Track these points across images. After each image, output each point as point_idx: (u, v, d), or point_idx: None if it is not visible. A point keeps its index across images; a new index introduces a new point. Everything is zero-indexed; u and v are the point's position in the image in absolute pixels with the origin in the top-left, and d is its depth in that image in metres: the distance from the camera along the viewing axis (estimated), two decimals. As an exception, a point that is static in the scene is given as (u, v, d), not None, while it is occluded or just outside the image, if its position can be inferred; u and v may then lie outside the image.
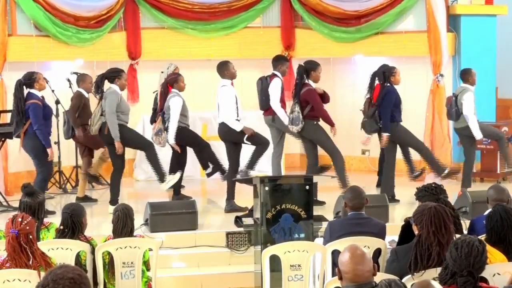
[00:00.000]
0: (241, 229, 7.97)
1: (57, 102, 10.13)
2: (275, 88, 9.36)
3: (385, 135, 9.25)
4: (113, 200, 8.87)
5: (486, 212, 5.54)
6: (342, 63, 11.94)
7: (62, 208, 6.02)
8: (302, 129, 9.09)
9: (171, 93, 9.28)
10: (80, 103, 9.66)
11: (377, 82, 9.47)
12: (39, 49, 10.44)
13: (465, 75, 9.73)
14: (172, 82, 9.33)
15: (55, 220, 6.32)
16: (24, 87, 8.84)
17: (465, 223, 6.32)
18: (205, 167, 9.53)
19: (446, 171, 9.41)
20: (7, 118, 9.59)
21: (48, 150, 8.76)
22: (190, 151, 9.55)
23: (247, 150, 9.41)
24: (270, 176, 8.92)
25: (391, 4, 11.29)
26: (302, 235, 6.88)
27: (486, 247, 4.21)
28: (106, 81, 8.95)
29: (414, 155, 9.71)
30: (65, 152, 10.46)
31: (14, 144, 9.66)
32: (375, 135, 9.54)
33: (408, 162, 9.62)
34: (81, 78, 9.87)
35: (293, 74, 10.40)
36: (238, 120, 8.94)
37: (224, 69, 8.99)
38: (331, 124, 9.17)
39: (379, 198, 8.49)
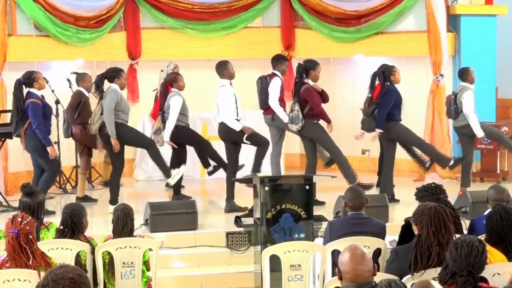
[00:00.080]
0: (241, 229, 7.97)
1: (57, 102, 10.13)
2: (274, 87, 9.37)
3: (378, 131, 9.26)
4: (113, 200, 8.88)
5: (486, 212, 5.54)
6: (342, 63, 11.94)
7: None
8: (302, 128, 9.10)
9: (171, 92, 9.29)
10: (78, 101, 9.66)
11: (377, 82, 9.47)
12: (39, 49, 10.43)
13: (463, 74, 9.73)
14: (172, 81, 9.35)
15: (55, 220, 6.33)
16: (24, 86, 8.85)
17: (465, 223, 6.32)
18: (206, 165, 9.54)
19: (451, 162, 9.41)
20: (7, 118, 9.59)
21: (48, 149, 8.76)
22: (190, 151, 9.57)
23: (246, 150, 9.43)
24: (270, 176, 8.92)
25: (391, 4, 11.29)
26: (302, 235, 6.88)
27: (486, 247, 4.21)
28: (105, 81, 8.96)
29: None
30: (65, 152, 10.46)
31: (14, 144, 9.66)
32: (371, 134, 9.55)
33: (415, 158, 9.60)
34: (81, 78, 9.88)
35: (293, 73, 10.39)
36: (238, 120, 8.94)
37: (223, 69, 8.99)
38: (328, 120, 9.18)
39: (379, 198, 8.49)
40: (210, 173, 9.56)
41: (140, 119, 10.95)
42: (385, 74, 9.31)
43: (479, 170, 11.07)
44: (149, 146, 9.09)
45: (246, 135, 8.90)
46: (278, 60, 9.58)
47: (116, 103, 8.78)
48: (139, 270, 5.93)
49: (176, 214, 8.07)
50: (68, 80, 10.26)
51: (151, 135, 9.37)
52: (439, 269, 4.32)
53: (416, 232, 4.85)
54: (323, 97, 9.33)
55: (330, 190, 8.99)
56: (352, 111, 11.10)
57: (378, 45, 11.42)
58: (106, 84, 8.98)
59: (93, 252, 5.79)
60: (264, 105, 9.63)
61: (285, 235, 6.86)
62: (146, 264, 6.06)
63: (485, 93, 10.98)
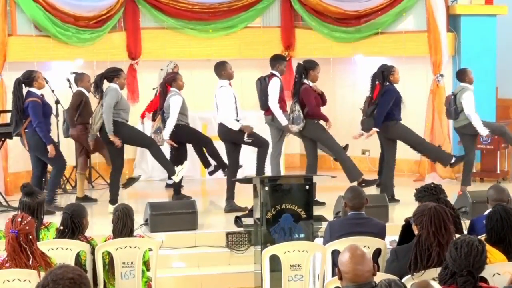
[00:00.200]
0: (241, 229, 7.98)
1: (57, 102, 10.13)
2: (273, 89, 9.37)
3: (374, 129, 9.26)
4: (113, 200, 8.89)
5: (486, 212, 5.54)
6: (342, 63, 11.93)
7: (63, 207, 6.02)
8: (303, 128, 9.10)
9: (171, 92, 9.30)
10: (79, 101, 9.66)
11: (377, 82, 9.47)
12: (39, 49, 10.43)
13: (462, 75, 9.73)
14: (171, 81, 9.36)
15: (55, 220, 6.33)
16: (23, 85, 8.85)
17: (465, 223, 6.32)
18: (206, 165, 9.55)
19: (453, 160, 9.40)
20: (7, 118, 9.59)
21: (49, 147, 8.77)
22: (190, 151, 9.57)
23: (246, 151, 9.44)
24: (270, 176, 8.94)
25: (391, 4, 11.29)
26: (302, 235, 6.88)
27: (486, 247, 4.21)
28: (105, 81, 8.96)
29: (414, 154, 9.72)
30: (64, 152, 10.37)
31: (14, 144, 9.67)
32: (373, 134, 9.55)
33: (434, 155, 9.58)
34: (79, 78, 9.88)
35: (293, 73, 10.39)
36: (238, 120, 8.93)
37: (221, 70, 8.99)
38: (325, 119, 9.17)
39: (379, 198, 8.49)
40: (211, 173, 9.57)
41: (140, 119, 10.94)
42: (384, 74, 9.31)
43: (479, 170, 11.06)
44: (150, 145, 9.09)
45: (246, 134, 8.90)
46: (276, 60, 9.59)
47: (117, 102, 8.78)
48: (139, 270, 5.93)
49: (176, 214, 8.07)
50: (68, 80, 10.26)
51: (151, 134, 9.38)
52: (439, 269, 4.32)
53: (416, 232, 4.85)
54: (322, 100, 9.32)
55: (330, 190, 9.00)
56: (352, 111, 11.10)
57: (378, 45, 11.41)
58: (106, 85, 8.98)
59: (93, 252, 5.79)
60: (265, 106, 9.63)
61: (285, 235, 6.86)
62: (146, 264, 6.06)
63: (485, 93, 10.98)
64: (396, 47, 11.31)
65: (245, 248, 7.89)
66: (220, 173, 9.53)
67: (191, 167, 10.02)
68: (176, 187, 9.38)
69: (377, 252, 5.74)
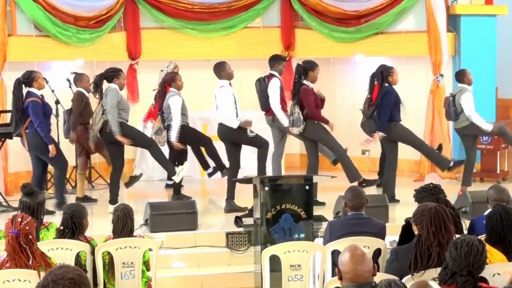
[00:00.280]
0: (241, 229, 7.98)
1: (57, 102, 10.12)
2: (274, 89, 9.37)
3: (380, 134, 9.25)
4: (113, 200, 8.89)
5: (486, 212, 5.54)
6: (342, 63, 11.93)
7: (63, 208, 6.02)
8: (304, 129, 9.09)
9: (170, 92, 9.30)
10: (82, 103, 9.66)
11: (376, 82, 9.46)
12: (39, 49, 10.43)
13: (461, 76, 9.74)
14: (170, 81, 9.36)
15: (55, 220, 6.33)
16: (23, 86, 8.85)
17: (465, 223, 6.31)
18: (205, 167, 9.56)
19: (451, 164, 9.41)
20: (7, 118, 9.59)
21: (50, 147, 8.77)
22: (190, 151, 9.57)
23: (247, 151, 9.44)
24: (270, 176, 8.93)
25: (391, 4, 11.28)
26: (302, 235, 6.88)
27: (486, 247, 4.21)
28: (104, 81, 8.96)
29: (414, 154, 9.72)
30: (64, 152, 10.39)
31: (14, 144, 9.67)
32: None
33: (432, 158, 9.58)
34: (78, 78, 9.87)
35: (293, 73, 10.38)
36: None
37: (221, 70, 8.98)
38: (325, 121, 9.16)
39: (379, 198, 8.49)
40: (210, 175, 9.58)
41: (140, 119, 10.93)
42: (383, 74, 9.31)
43: (479, 170, 11.06)
44: (150, 145, 9.09)
45: (248, 130, 8.87)
46: (275, 60, 9.59)
47: (117, 102, 8.79)
48: (139, 270, 5.93)
49: (176, 214, 8.07)
50: (68, 80, 10.25)
51: (152, 135, 9.38)
52: (439, 269, 4.33)
53: (416, 232, 4.85)
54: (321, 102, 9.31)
55: (330, 190, 9.00)
56: (352, 111, 11.10)
57: (378, 45, 11.41)
58: (105, 85, 8.98)
59: (93, 253, 5.79)
60: (265, 107, 9.63)
61: (285, 235, 6.86)
62: (146, 264, 6.06)
63: (485, 93, 10.98)
64: (396, 47, 11.31)
65: (245, 248, 7.89)
66: (219, 174, 9.53)
67: (191, 167, 10.02)
68: (176, 187, 9.38)
69: (377, 252, 5.74)
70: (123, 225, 5.91)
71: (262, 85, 9.57)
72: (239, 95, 9.26)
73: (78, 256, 5.74)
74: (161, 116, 9.33)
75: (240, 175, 9.18)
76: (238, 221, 8.18)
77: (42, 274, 4.46)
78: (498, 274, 4.64)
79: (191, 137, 9.43)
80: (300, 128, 9.06)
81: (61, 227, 5.80)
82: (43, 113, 8.81)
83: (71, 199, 9.67)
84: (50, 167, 9.50)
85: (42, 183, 9.34)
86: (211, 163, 9.45)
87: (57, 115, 10.07)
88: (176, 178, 9.06)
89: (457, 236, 4.47)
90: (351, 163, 9.15)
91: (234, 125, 8.87)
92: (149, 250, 6.04)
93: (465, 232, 5.88)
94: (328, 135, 9.19)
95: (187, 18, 11.21)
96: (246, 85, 10.36)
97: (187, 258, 7.91)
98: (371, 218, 6.01)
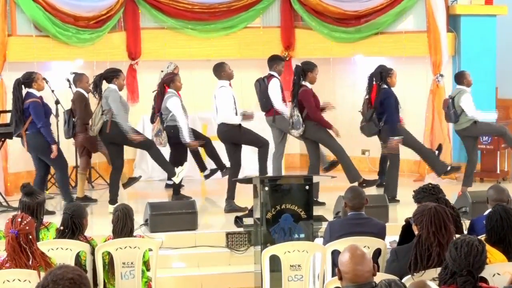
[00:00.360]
0: (241, 229, 7.98)
1: (57, 102, 10.12)
2: (275, 90, 9.37)
3: (396, 139, 9.20)
4: (113, 200, 8.90)
5: (486, 212, 5.54)
6: (342, 63, 11.93)
7: (63, 208, 6.02)
8: (304, 131, 9.08)
9: (168, 93, 9.30)
10: (84, 104, 9.66)
11: (374, 83, 9.45)
12: (39, 49, 10.43)
13: (460, 78, 9.74)
14: (169, 82, 9.36)
15: (55, 220, 6.33)
16: (23, 86, 8.85)
17: (465, 223, 6.31)
18: (202, 169, 9.58)
19: (448, 168, 9.41)
20: (7, 118, 9.59)
21: (53, 147, 8.78)
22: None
23: (247, 151, 9.43)
24: (270, 176, 8.93)
25: (391, 4, 11.28)
26: (302, 235, 6.88)
27: (486, 247, 4.21)
28: (104, 82, 8.96)
29: (414, 154, 9.72)
30: (64, 152, 10.39)
31: (14, 144, 9.67)
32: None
33: (430, 162, 9.58)
34: (78, 78, 9.87)
35: (293, 73, 10.39)
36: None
37: (221, 70, 8.98)
38: (329, 126, 9.14)
39: (379, 198, 8.49)
40: (206, 177, 9.59)
41: (140, 119, 10.95)
42: (382, 75, 9.31)
43: (479, 170, 11.05)
44: (150, 147, 9.09)
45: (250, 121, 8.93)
46: (273, 61, 9.60)
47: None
48: (139, 270, 5.93)
49: (176, 214, 8.07)
50: (68, 80, 10.25)
51: (153, 137, 9.38)
52: (439, 269, 4.32)
53: (416, 232, 4.85)
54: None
55: (330, 190, 9.00)
56: (352, 111, 11.10)
57: (378, 45, 11.41)
58: (105, 85, 8.98)
59: (93, 253, 5.79)
60: (265, 107, 9.64)
61: (285, 235, 6.86)
62: (146, 264, 6.06)
63: (485, 93, 10.98)
64: (396, 47, 11.31)
65: (245, 248, 7.89)
66: (219, 174, 9.54)
67: (191, 168, 10.02)
68: (176, 187, 9.39)
69: (377, 252, 5.74)
70: (123, 225, 5.91)
71: (262, 85, 9.57)
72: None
73: (78, 256, 5.74)
74: (160, 117, 9.32)
75: (240, 175, 9.18)
76: (238, 221, 8.18)
77: (42, 274, 4.46)
78: (498, 274, 4.64)
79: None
80: (300, 131, 9.05)
81: (61, 227, 5.80)
82: (33, 118, 8.82)
83: (71, 199, 9.69)
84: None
85: (45, 183, 9.35)
86: (208, 166, 9.48)
87: (57, 115, 10.07)
88: (176, 179, 9.07)
89: (457, 236, 4.47)
90: (351, 164, 9.14)
91: (237, 121, 8.87)
92: (149, 250, 6.04)
93: (465, 232, 5.88)
94: (328, 135, 9.19)
95: (187, 18, 11.22)
96: (246, 85, 10.37)
97: (187, 258, 7.91)
98: (371, 218, 6.01)
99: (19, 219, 4.82)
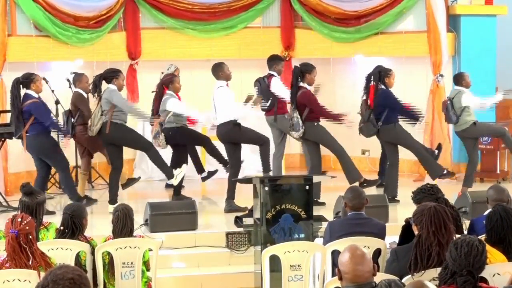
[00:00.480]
0: (241, 229, 7.97)
1: (57, 102, 10.13)
2: (278, 86, 9.38)
3: (420, 124, 9.33)
4: (112, 200, 8.90)
5: (486, 212, 5.54)
6: (342, 63, 11.93)
7: (63, 208, 6.02)
8: (304, 132, 9.08)
9: (166, 94, 9.29)
10: (84, 102, 9.67)
11: (372, 83, 9.44)
12: (39, 49, 10.43)
13: (459, 79, 9.77)
14: (168, 83, 9.36)
15: (55, 220, 6.33)
16: (21, 86, 8.85)
17: (465, 224, 6.31)
18: (199, 171, 9.58)
19: (444, 172, 9.40)
20: (7, 118, 9.59)
21: (66, 138, 8.90)
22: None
23: (247, 151, 9.44)
24: (270, 176, 8.93)
25: (391, 4, 11.29)
26: (302, 235, 6.88)
27: (486, 247, 4.21)
28: (104, 82, 8.96)
29: (413, 155, 9.72)
30: (65, 152, 10.45)
31: (14, 144, 9.67)
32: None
33: (426, 164, 9.57)
34: (77, 78, 9.87)
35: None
36: (236, 121, 8.89)
37: (219, 71, 8.97)
38: (339, 117, 9.14)
39: (379, 198, 8.49)
40: (203, 179, 9.61)
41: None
42: (381, 74, 9.31)
43: (479, 170, 11.04)
44: (149, 148, 9.08)
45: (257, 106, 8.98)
46: (273, 61, 9.60)
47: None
48: (139, 270, 5.93)
49: (176, 214, 8.07)
50: (68, 80, 10.25)
51: (151, 139, 9.37)
52: (439, 269, 4.32)
53: (416, 232, 4.84)
54: None
55: (330, 190, 9.00)
56: (352, 111, 11.04)
57: (378, 45, 11.42)
58: (104, 86, 8.98)
59: (93, 253, 5.79)
60: (265, 107, 9.62)
61: (285, 235, 6.85)
62: (146, 264, 6.06)
63: (485, 93, 10.91)
64: (396, 47, 11.32)
65: (245, 248, 7.89)
66: (219, 173, 9.56)
67: (191, 168, 10.03)
68: (177, 188, 9.38)
69: (377, 252, 5.73)
70: (123, 225, 5.91)
71: (262, 85, 9.57)
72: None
73: (78, 256, 5.74)
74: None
75: (240, 175, 9.18)
76: (238, 221, 8.18)
77: (42, 274, 4.46)
78: (498, 274, 4.64)
79: (189, 137, 9.45)
80: (300, 133, 9.05)
81: (61, 227, 5.80)
82: (38, 118, 8.83)
83: (71, 199, 9.70)
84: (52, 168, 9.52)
85: (46, 184, 9.35)
86: (206, 168, 9.49)
87: (57, 116, 10.08)
88: (174, 181, 9.07)
89: (458, 236, 4.47)
90: (351, 164, 9.13)
91: (244, 112, 8.85)
92: (149, 250, 6.04)
93: (465, 232, 5.88)
94: (328, 136, 9.18)
95: (187, 18, 11.22)
96: (246, 85, 10.36)
97: (187, 258, 7.91)
98: (371, 218, 6.02)
99: (19, 219, 4.82)
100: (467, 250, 4.07)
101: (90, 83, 9.27)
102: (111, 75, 8.94)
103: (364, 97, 9.52)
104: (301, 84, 9.08)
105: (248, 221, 7.84)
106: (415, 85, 11.18)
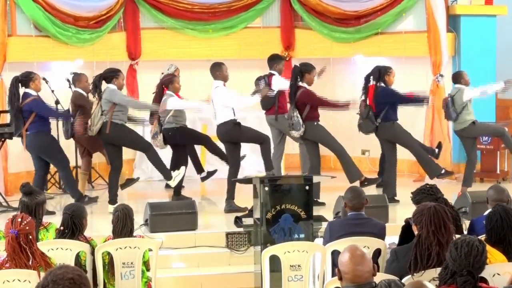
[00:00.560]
0: (241, 229, 7.97)
1: (57, 102, 10.11)
2: (279, 81, 9.38)
3: (426, 103, 9.40)
4: (112, 200, 8.90)
5: (486, 213, 5.54)
6: (342, 63, 11.93)
7: (63, 208, 6.02)
8: (304, 132, 9.07)
9: (166, 95, 9.29)
10: (85, 100, 9.69)
11: (371, 83, 9.44)
12: (39, 50, 10.43)
13: (457, 77, 9.78)
14: (167, 83, 9.35)
15: (55, 221, 6.33)
16: (20, 85, 8.86)
17: (465, 224, 6.31)
18: (199, 171, 9.58)
19: (442, 171, 9.40)
20: (7, 118, 9.59)
21: (77, 122, 9.02)
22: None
23: (246, 150, 9.43)
24: (270, 176, 8.92)
25: (391, 4, 11.29)
26: (302, 236, 6.88)
27: (486, 247, 4.21)
28: (103, 82, 8.96)
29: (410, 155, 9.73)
30: (65, 152, 10.45)
31: (14, 144, 9.67)
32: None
33: (424, 163, 9.57)
34: (77, 78, 9.88)
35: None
36: (236, 120, 8.89)
37: (217, 70, 8.96)
38: (345, 106, 9.14)
39: (378, 198, 8.49)
40: (203, 179, 9.60)
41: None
42: (380, 73, 9.31)
43: (478, 170, 11.05)
44: (148, 149, 9.08)
45: (265, 96, 8.98)
46: (273, 60, 9.61)
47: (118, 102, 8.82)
48: (139, 270, 5.93)
49: (176, 214, 8.07)
50: (68, 80, 10.25)
51: (150, 140, 9.37)
52: (439, 269, 4.32)
53: (416, 232, 4.84)
54: None
55: (330, 190, 8.99)
56: (352, 111, 11.08)
57: (378, 46, 11.42)
58: (104, 86, 8.98)
59: (93, 253, 5.79)
60: (266, 106, 9.63)
61: (285, 236, 6.86)
62: (146, 264, 6.06)
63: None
64: (396, 48, 11.32)
65: (245, 249, 7.89)
66: (219, 174, 9.56)
67: (191, 168, 10.03)
68: (177, 188, 9.38)
69: (377, 253, 5.73)
70: (123, 225, 5.91)
71: (263, 83, 9.55)
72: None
73: (78, 256, 5.74)
74: (158, 119, 9.30)
75: (240, 175, 9.18)
76: (238, 221, 8.18)
77: (42, 274, 4.46)
78: (498, 274, 4.64)
79: (190, 137, 9.44)
80: (300, 132, 9.04)
81: (61, 227, 5.80)
82: (41, 113, 8.83)
83: (71, 199, 9.67)
84: (50, 168, 9.51)
85: (45, 183, 9.35)
86: (205, 168, 9.48)
87: (56, 115, 10.08)
88: (172, 183, 9.07)
89: (458, 236, 4.47)
90: (352, 163, 9.12)
91: (254, 101, 8.85)
92: (149, 250, 6.04)
93: (465, 232, 5.88)
94: (328, 135, 9.18)
95: (187, 18, 11.22)
96: (246, 85, 10.36)
97: (187, 258, 7.91)
98: (371, 218, 6.02)
99: (19, 219, 4.82)
100: (467, 250, 4.07)
101: (90, 83, 9.26)
102: (111, 74, 8.94)
103: (363, 97, 9.50)
104: (300, 84, 9.08)
105: (248, 221, 7.84)
106: (415, 85, 11.13)
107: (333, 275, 5.56)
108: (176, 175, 9.01)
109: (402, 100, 9.29)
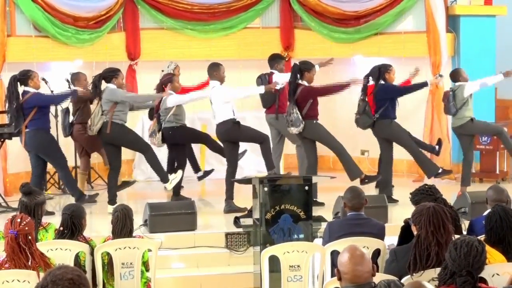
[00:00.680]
0: (240, 229, 7.97)
1: (57, 102, 10.12)
2: (282, 76, 9.40)
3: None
4: (112, 200, 8.90)
5: (485, 213, 5.54)
6: (342, 64, 11.91)
7: (62, 208, 6.02)
8: (303, 129, 9.06)
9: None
10: (87, 95, 9.69)
11: (370, 83, 9.45)
12: (38, 50, 10.43)
13: (456, 75, 9.82)
14: (167, 82, 9.35)
15: (54, 221, 6.32)
16: (18, 83, 8.86)
17: (465, 224, 6.32)
18: (196, 170, 9.58)
19: (440, 170, 9.39)
20: (6, 118, 9.59)
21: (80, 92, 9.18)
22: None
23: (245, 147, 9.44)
24: (269, 176, 8.92)
25: (391, 4, 11.29)
26: (301, 236, 6.88)
27: (485, 247, 4.21)
28: (103, 82, 8.96)
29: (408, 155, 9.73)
30: (64, 152, 10.45)
31: (13, 145, 9.67)
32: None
33: (421, 163, 9.56)
34: (76, 78, 9.89)
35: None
36: (235, 119, 8.89)
37: (214, 71, 8.95)
38: (347, 85, 9.16)
39: (378, 198, 8.48)
40: (200, 178, 9.60)
41: (139, 120, 10.94)
42: (381, 71, 9.31)
43: (478, 170, 11.06)
44: (146, 150, 9.07)
45: (274, 90, 9.02)
46: (274, 60, 9.62)
47: (117, 102, 8.81)
48: (138, 270, 5.93)
49: (175, 214, 8.07)
50: (68, 80, 10.23)
51: (148, 137, 9.37)
52: (438, 270, 4.33)
53: (415, 232, 4.85)
54: None
55: (329, 190, 8.99)
56: (352, 111, 11.08)
57: (378, 46, 11.42)
58: (104, 85, 8.98)
59: (92, 253, 5.79)
60: (266, 104, 9.63)
61: (284, 236, 6.86)
62: (145, 264, 6.07)
63: (484, 94, 10.96)
64: (396, 48, 11.32)
65: (244, 249, 7.89)
66: (219, 174, 9.55)
67: (190, 168, 10.03)
68: (176, 188, 9.38)
69: (377, 253, 5.74)
70: (122, 225, 5.92)
71: (263, 82, 9.57)
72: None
73: (77, 257, 5.74)
74: (158, 118, 9.30)
75: (240, 175, 9.18)
76: (237, 221, 8.18)
77: (41, 274, 4.46)
78: (498, 274, 4.64)
79: (190, 136, 9.44)
80: (300, 128, 9.01)
81: (61, 228, 5.80)
82: (42, 108, 8.84)
83: (71, 199, 9.67)
84: (49, 167, 9.51)
85: (41, 182, 9.34)
86: (207, 166, 9.50)
87: (56, 115, 10.08)
88: (169, 186, 9.06)
89: (457, 236, 4.47)
90: (351, 161, 9.11)
91: (260, 90, 8.89)
92: (148, 250, 6.04)
93: (464, 232, 5.88)
94: (327, 134, 9.17)
95: (186, 18, 11.22)
96: (246, 85, 10.36)
97: (186, 259, 7.91)
98: (370, 218, 6.02)
99: (19, 220, 4.82)
100: (466, 250, 4.07)
101: (90, 83, 9.26)
102: (110, 74, 8.94)
103: (362, 97, 9.50)
104: (300, 81, 9.08)
105: (248, 221, 7.85)
106: (415, 86, 11.16)
107: (332, 275, 5.56)
108: (173, 178, 9.01)
109: (403, 91, 9.30)
